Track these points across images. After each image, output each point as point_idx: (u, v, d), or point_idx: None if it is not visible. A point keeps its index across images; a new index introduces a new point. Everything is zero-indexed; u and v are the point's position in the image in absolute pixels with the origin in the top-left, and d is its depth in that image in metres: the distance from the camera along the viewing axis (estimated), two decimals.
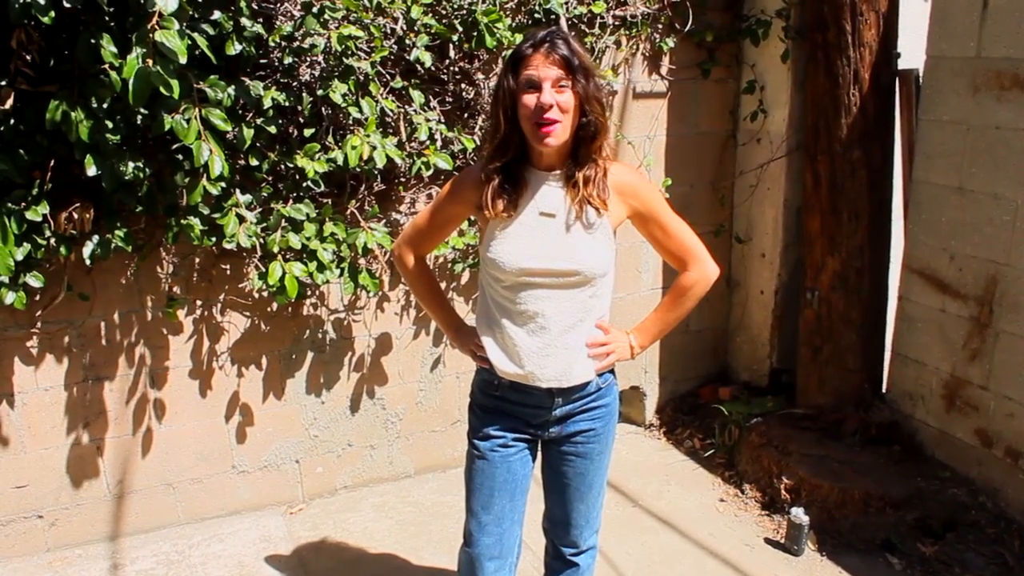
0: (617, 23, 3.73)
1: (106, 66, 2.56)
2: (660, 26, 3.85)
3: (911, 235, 3.63)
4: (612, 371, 2.29)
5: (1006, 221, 3.19)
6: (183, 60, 2.42)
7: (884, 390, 3.90)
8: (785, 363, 4.24)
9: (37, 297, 3.00)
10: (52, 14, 2.42)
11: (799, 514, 3.35)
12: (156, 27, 2.40)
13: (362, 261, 3.40)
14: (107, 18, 2.60)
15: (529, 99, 1.93)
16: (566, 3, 3.51)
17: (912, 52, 3.65)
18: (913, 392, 3.70)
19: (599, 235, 2.08)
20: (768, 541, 3.47)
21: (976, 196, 3.30)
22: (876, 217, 3.71)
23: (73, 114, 2.60)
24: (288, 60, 3.02)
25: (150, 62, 2.39)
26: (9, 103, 2.61)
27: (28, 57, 2.61)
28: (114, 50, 2.55)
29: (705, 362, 4.51)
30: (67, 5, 2.44)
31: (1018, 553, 3.21)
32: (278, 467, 3.62)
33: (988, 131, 3.22)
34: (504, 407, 2.24)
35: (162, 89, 2.41)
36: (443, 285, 3.72)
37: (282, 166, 3.14)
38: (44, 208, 2.77)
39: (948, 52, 3.34)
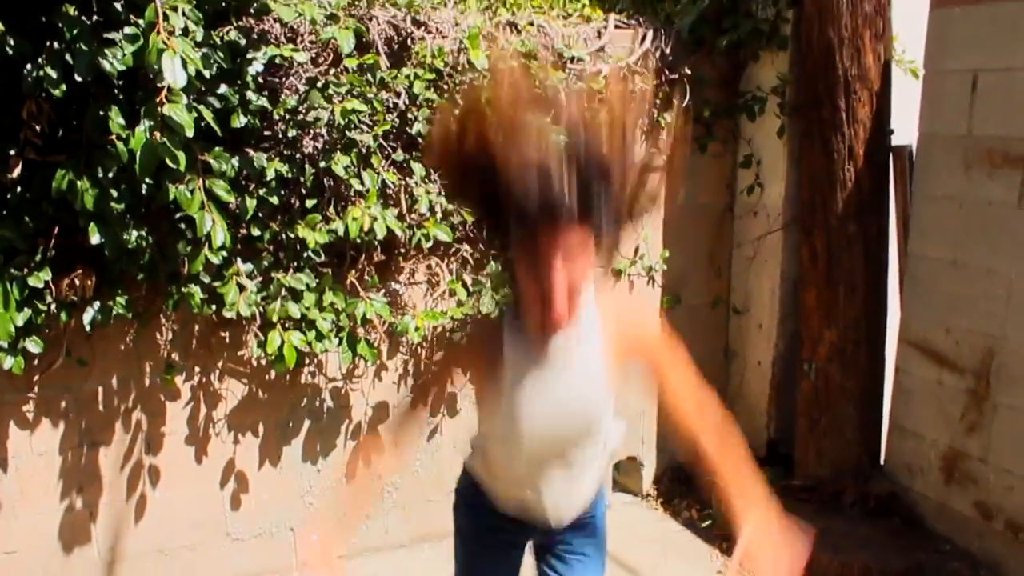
0: None
1: (113, 137, 2.62)
2: (658, 102, 3.92)
3: (907, 308, 3.66)
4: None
5: (1000, 295, 3.22)
6: (190, 134, 2.48)
7: (883, 462, 3.89)
8: (783, 434, 4.24)
9: (35, 362, 3.00)
10: (64, 87, 2.49)
11: None
12: (165, 101, 2.47)
13: (360, 331, 3.41)
14: (116, 91, 2.66)
15: None
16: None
17: (905, 128, 3.72)
18: (912, 464, 3.69)
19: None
20: None
21: (970, 270, 3.33)
22: (872, 290, 3.74)
23: (79, 183, 2.64)
24: (292, 132, 3.08)
25: (157, 135, 2.45)
26: (17, 172, 2.66)
27: (37, 127, 2.66)
28: (122, 122, 2.61)
29: None
30: (78, 79, 2.50)
31: None
32: (272, 535, 3.60)
33: (981, 207, 3.27)
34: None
35: (168, 161, 2.47)
36: (440, 356, 3.74)
37: (283, 236, 3.18)
38: (46, 274, 2.79)
39: (940, 130, 3.41)
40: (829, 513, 3.76)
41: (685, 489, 4.34)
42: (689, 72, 3.93)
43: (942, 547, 3.53)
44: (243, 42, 2.91)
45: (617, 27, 3.84)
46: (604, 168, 1.61)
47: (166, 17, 2.44)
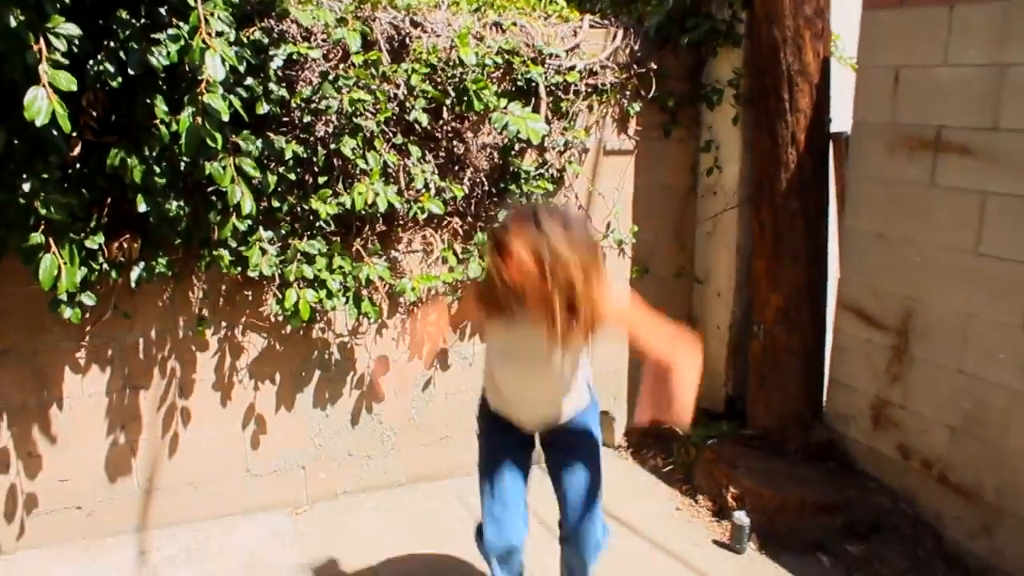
0: (589, 90, 4.29)
1: (157, 121, 3.11)
2: (627, 92, 4.42)
3: (843, 275, 4.16)
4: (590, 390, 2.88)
5: (916, 262, 3.72)
6: (226, 119, 2.97)
7: (823, 412, 4.40)
8: (739, 391, 4.74)
9: (87, 314, 3.48)
10: (120, 79, 2.98)
11: (741, 516, 3.83)
12: (204, 91, 2.96)
13: (365, 291, 3.91)
14: (160, 82, 3.15)
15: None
16: (544, 73, 4.08)
17: (847, 116, 4.20)
18: (846, 413, 4.19)
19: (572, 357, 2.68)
20: (715, 542, 3.94)
21: (893, 241, 3.83)
22: (813, 259, 4.24)
23: (129, 160, 3.13)
24: (307, 119, 3.58)
25: (199, 119, 2.94)
26: (77, 151, 3.15)
27: (94, 113, 3.15)
28: (165, 109, 3.10)
29: None
30: (130, 72, 3.00)
31: (931, 551, 3.67)
32: (286, 472, 4.10)
33: (901, 185, 3.76)
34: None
35: (208, 141, 2.96)
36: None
37: (299, 208, 3.68)
38: (100, 238, 3.29)
39: (869, 118, 3.90)
40: (774, 458, 4.26)
41: (652, 441, 4.84)
42: (655, 66, 4.43)
43: (869, 485, 4.03)
44: (266, 41, 3.40)
45: (592, 27, 4.33)
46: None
47: (207, 21, 2.94)
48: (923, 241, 3.70)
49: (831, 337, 4.32)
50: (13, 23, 2.55)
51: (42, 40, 2.68)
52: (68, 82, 2.71)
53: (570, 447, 2.88)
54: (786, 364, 4.34)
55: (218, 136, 3.00)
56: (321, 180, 3.70)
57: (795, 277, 4.23)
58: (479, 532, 2.97)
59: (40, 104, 2.62)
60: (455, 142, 4.00)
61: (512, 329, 2.57)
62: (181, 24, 3.01)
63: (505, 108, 3.86)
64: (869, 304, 4.00)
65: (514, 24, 4.09)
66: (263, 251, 3.57)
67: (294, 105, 3.55)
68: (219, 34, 3.03)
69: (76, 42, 2.87)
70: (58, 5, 2.70)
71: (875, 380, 4.01)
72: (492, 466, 2.88)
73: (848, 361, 4.16)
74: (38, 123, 2.62)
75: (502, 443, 2.89)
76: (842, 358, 4.20)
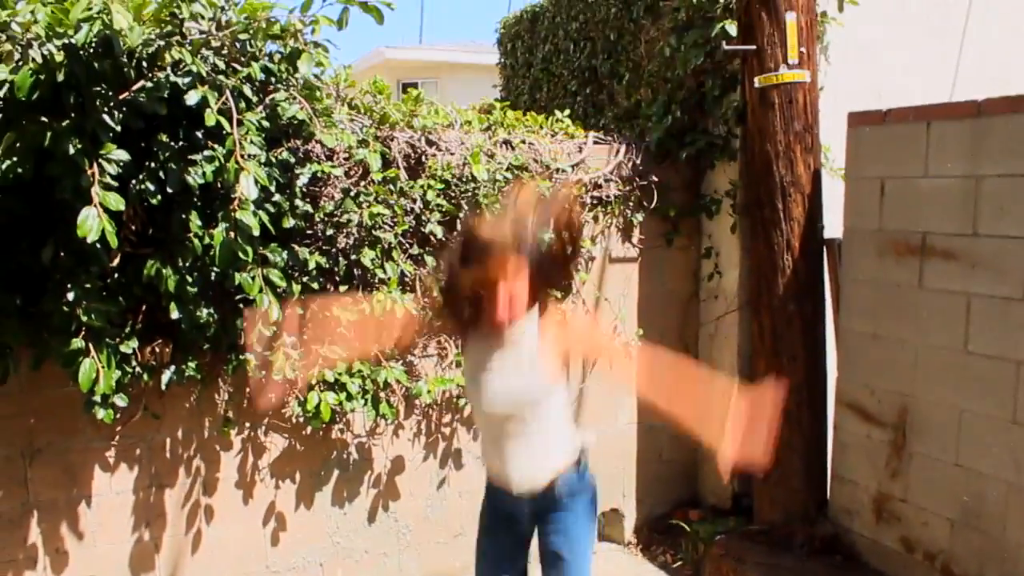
0: (594, 202, 4.56)
1: (191, 235, 3.35)
2: (631, 204, 4.69)
3: (841, 373, 4.32)
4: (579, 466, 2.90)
5: (909, 361, 3.89)
6: (256, 233, 3.21)
7: (828, 506, 4.50)
8: (745, 487, 4.86)
9: (118, 415, 3.64)
10: (159, 197, 3.24)
11: None
12: (237, 208, 3.21)
13: (382, 394, 4.10)
14: (195, 199, 3.41)
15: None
16: (552, 187, 4.34)
17: (837, 222, 4.42)
18: (850, 507, 4.30)
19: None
20: None
21: (886, 341, 4.01)
22: (811, 359, 4.42)
23: (164, 271, 3.37)
24: (329, 231, 3.83)
25: (232, 234, 3.18)
26: (116, 261, 3.39)
27: (133, 227, 3.40)
28: (199, 223, 3.35)
29: (677, 488, 5.13)
30: (169, 191, 3.26)
31: None
32: (304, 569, 4.21)
33: (891, 288, 3.96)
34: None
35: (240, 254, 3.19)
36: (448, 418, 4.41)
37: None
38: (134, 343, 3.50)
39: (859, 225, 4.13)
40: (781, 553, 4.36)
41: (661, 537, 4.96)
42: (657, 179, 4.70)
43: None
44: (293, 160, 3.67)
45: (596, 143, 4.63)
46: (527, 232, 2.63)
47: (241, 145, 3.21)
48: (914, 340, 3.88)
49: (832, 433, 4.46)
50: (71, 151, 2.82)
51: (95, 165, 2.94)
52: (117, 203, 2.97)
53: (558, 535, 2.91)
54: (788, 461, 4.46)
55: (248, 249, 3.24)
56: (342, 289, 3.92)
57: (795, 377, 4.40)
58: None
59: (92, 223, 2.87)
60: None
61: (485, 342, 2.73)
62: (216, 147, 3.28)
63: None
64: (866, 401, 4.16)
65: (523, 142, 4.38)
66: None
67: (318, 219, 3.81)
68: (251, 156, 3.30)
69: (121, 165, 3.14)
70: (111, 133, 2.97)
71: (876, 474, 4.14)
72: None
73: (849, 456, 4.29)
74: (89, 240, 2.87)
75: (496, 545, 3.01)
76: (843, 453, 4.33)
